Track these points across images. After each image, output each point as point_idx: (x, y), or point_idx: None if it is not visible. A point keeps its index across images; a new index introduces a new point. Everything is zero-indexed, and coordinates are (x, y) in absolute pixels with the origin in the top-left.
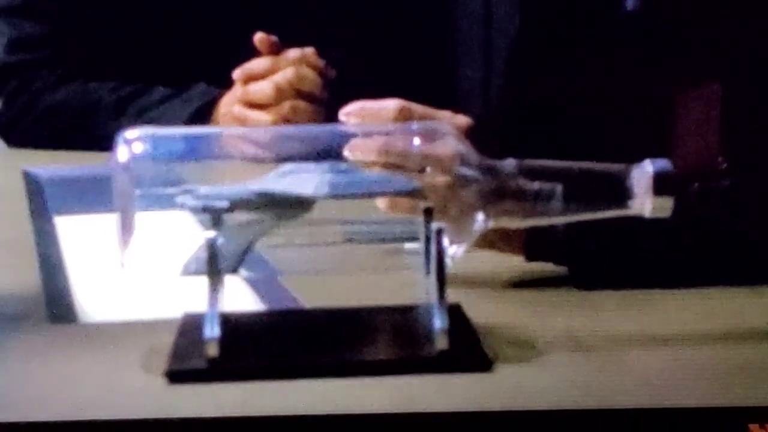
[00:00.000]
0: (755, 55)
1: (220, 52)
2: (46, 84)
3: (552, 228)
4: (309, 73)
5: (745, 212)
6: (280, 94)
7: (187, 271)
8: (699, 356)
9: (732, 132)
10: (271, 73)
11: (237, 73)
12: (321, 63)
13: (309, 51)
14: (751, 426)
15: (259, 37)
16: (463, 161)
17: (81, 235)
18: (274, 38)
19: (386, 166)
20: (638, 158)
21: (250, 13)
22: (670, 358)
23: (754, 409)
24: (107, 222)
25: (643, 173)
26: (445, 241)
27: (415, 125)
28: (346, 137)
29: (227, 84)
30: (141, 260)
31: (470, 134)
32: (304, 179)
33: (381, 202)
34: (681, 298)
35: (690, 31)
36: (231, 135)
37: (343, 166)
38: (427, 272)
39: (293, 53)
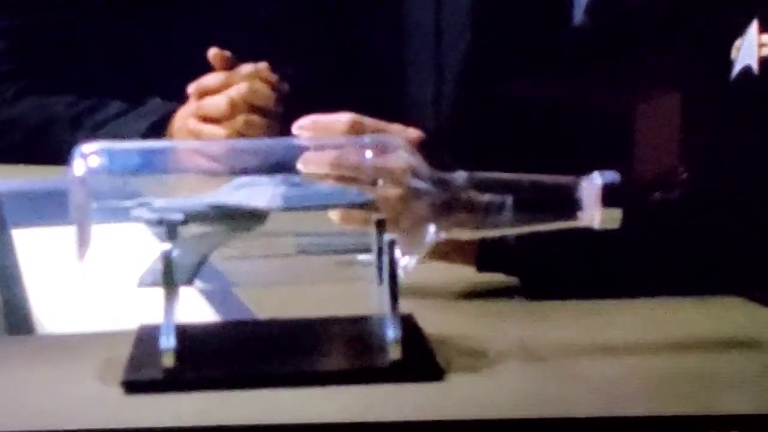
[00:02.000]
0: (710, 65)
1: (175, 68)
2: (3, 98)
3: (503, 239)
4: (262, 88)
5: (696, 222)
6: (234, 109)
7: (143, 283)
8: (649, 365)
9: (692, 141)
10: (224, 87)
11: (191, 88)
12: (274, 78)
13: (262, 66)
14: None
15: (213, 53)
16: (415, 174)
17: (38, 248)
18: (227, 53)
19: (339, 178)
20: (597, 169)
21: (205, 29)
22: (621, 368)
23: (703, 418)
24: (64, 234)
25: (592, 185)
26: (398, 252)
27: (367, 138)
28: (299, 150)
29: (182, 99)
30: (98, 272)
31: (422, 147)
32: (257, 192)
33: (334, 215)
34: (631, 308)
35: (640, 43)
36: (186, 149)
37: (296, 179)
38: (380, 283)
39: (246, 68)
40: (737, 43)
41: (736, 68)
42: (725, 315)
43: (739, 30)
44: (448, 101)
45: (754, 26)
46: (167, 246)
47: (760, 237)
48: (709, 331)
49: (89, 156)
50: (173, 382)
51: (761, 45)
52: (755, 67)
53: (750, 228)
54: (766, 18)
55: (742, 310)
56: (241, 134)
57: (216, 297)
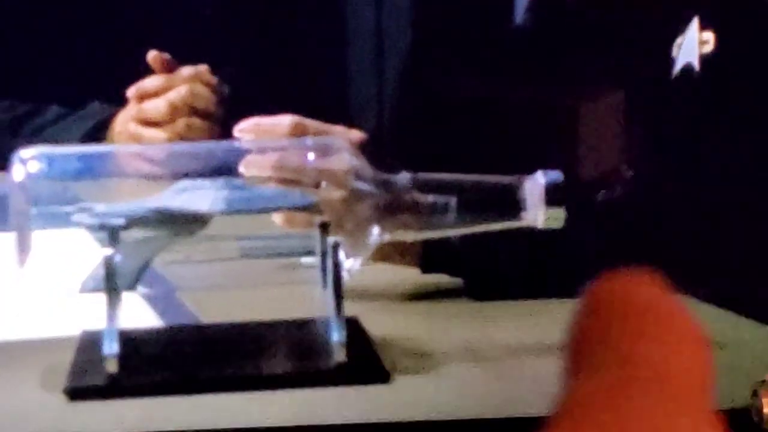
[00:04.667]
0: (651, 63)
1: (114, 70)
2: None
3: (447, 240)
4: (203, 90)
5: (640, 220)
6: (175, 112)
7: (85, 289)
8: None
9: (635, 139)
10: (165, 90)
11: (131, 91)
12: (215, 80)
13: (202, 68)
14: None
15: (152, 55)
16: (358, 175)
17: None
18: (167, 56)
19: (281, 181)
20: (540, 168)
21: (143, 31)
22: None
23: None
24: (4, 241)
25: (535, 184)
26: (341, 254)
27: (309, 140)
28: (241, 153)
29: (122, 102)
30: (39, 278)
31: (364, 148)
32: (199, 195)
33: (277, 217)
34: (575, 307)
35: (582, 42)
36: (126, 153)
37: (238, 182)
38: (324, 286)
39: (187, 70)
40: (678, 40)
41: (677, 66)
42: None
43: (680, 27)
44: (391, 102)
45: (694, 24)
46: (109, 251)
47: (704, 235)
48: None
49: (28, 161)
50: (117, 388)
51: (702, 42)
52: (696, 64)
53: (693, 226)
54: (707, 15)
55: None
56: (182, 137)
57: (159, 302)
